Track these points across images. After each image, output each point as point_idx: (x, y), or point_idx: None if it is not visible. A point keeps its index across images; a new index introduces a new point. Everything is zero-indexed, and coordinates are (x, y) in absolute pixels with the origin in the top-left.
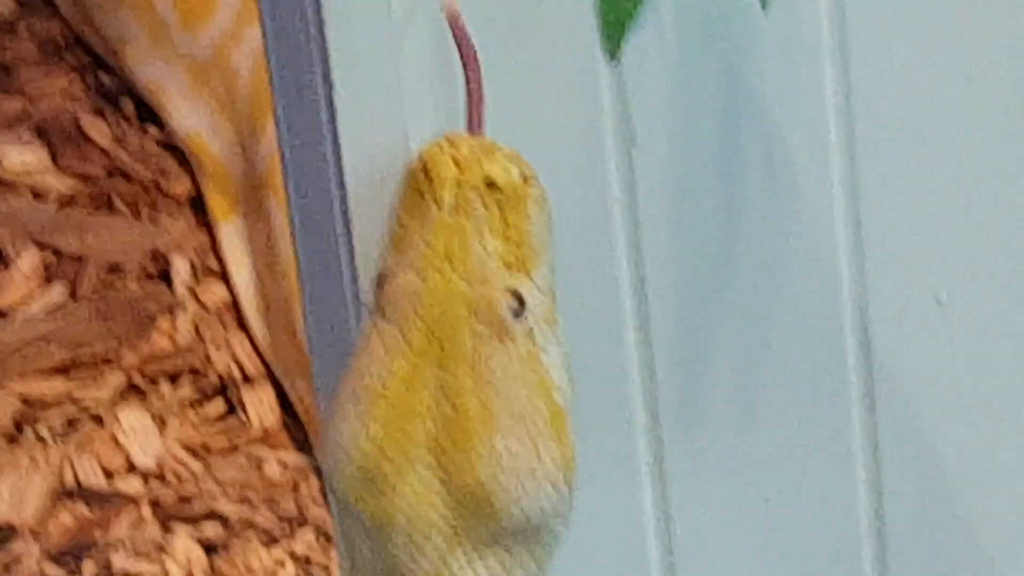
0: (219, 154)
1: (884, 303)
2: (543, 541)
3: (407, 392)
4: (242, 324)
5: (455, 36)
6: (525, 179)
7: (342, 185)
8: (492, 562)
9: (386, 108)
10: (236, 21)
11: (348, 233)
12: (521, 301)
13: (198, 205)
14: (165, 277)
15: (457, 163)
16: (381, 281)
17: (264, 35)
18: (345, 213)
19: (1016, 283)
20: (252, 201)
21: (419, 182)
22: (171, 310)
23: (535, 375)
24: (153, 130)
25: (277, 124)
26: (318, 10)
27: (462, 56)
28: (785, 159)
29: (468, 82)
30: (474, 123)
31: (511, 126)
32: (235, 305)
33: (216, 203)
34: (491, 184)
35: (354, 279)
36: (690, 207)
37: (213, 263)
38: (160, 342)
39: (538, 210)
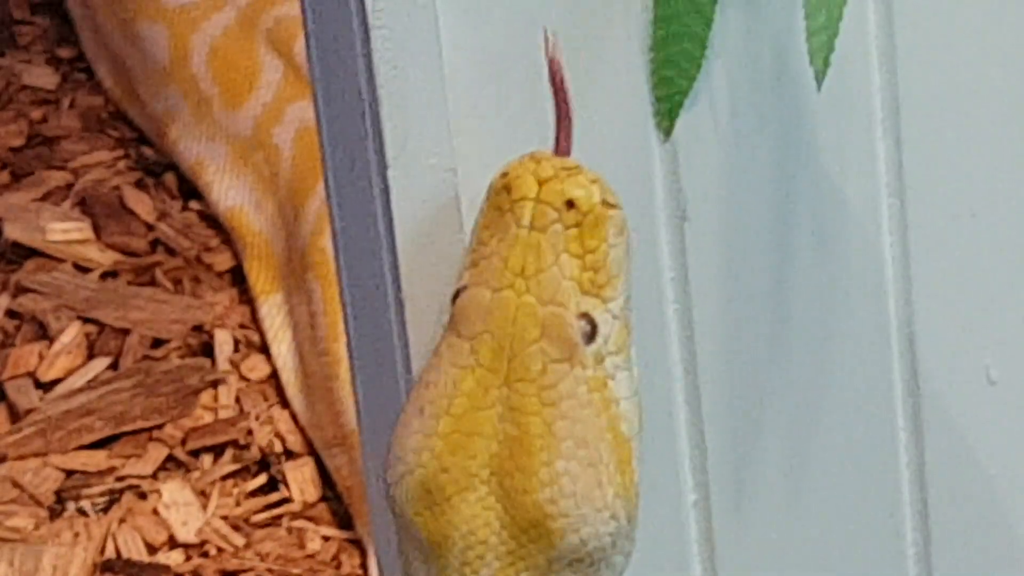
0: (261, 230)
1: (935, 380)
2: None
3: (473, 409)
4: (284, 398)
5: (550, 67)
6: (607, 204)
7: (394, 258)
8: None
9: (440, 182)
10: (277, 98)
11: (400, 305)
12: (594, 326)
13: (240, 279)
14: (207, 351)
15: (539, 181)
16: (456, 297)
17: (316, 110)
18: (397, 286)
19: None
20: (294, 277)
21: (500, 198)
22: (213, 384)
23: (602, 402)
24: (195, 204)
25: (329, 199)
26: (372, 84)
27: (553, 82)
28: (837, 236)
29: (558, 105)
30: (561, 146)
31: None
32: (277, 379)
33: (258, 278)
34: (571, 204)
35: (405, 350)
36: (741, 283)
37: (255, 337)
38: (202, 416)
39: (618, 236)
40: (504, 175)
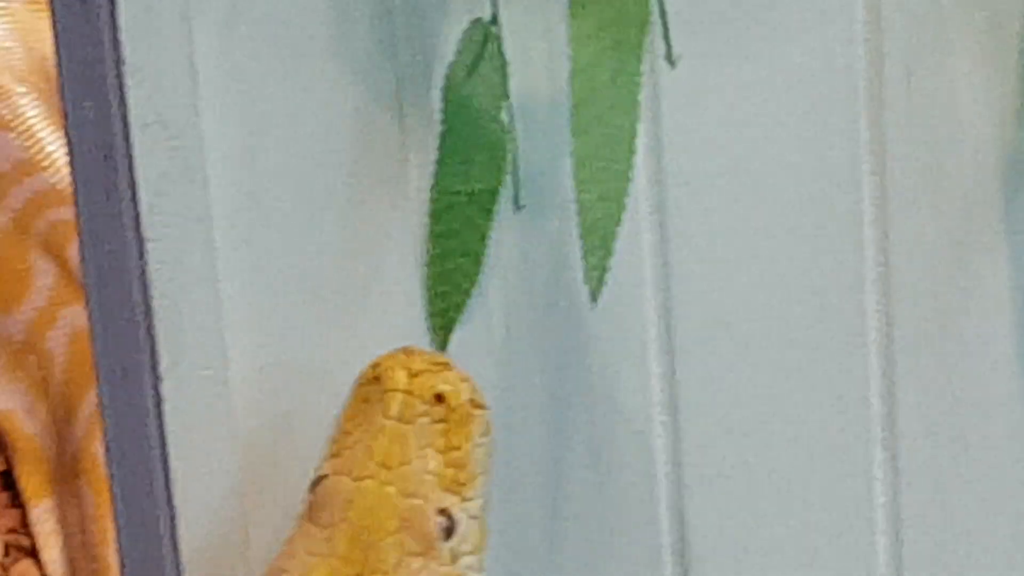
0: (33, 434)
1: None
2: None
3: None
4: None
5: None
6: (475, 403)
7: (166, 467)
8: None
9: (213, 393)
10: (51, 302)
11: (171, 513)
12: (452, 523)
13: (10, 483)
14: None
15: (410, 374)
16: (315, 484)
17: (90, 317)
18: (168, 494)
19: None
20: (65, 482)
21: (368, 388)
22: None
23: None
24: None
25: (101, 407)
26: (146, 294)
27: None
28: (611, 453)
29: None
30: None
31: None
32: None
33: (28, 483)
34: (440, 399)
35: (175, 559)
36: (514, 502)
37: (26, 542)
38: None
39: (483, 436)
40: (375, 366)
